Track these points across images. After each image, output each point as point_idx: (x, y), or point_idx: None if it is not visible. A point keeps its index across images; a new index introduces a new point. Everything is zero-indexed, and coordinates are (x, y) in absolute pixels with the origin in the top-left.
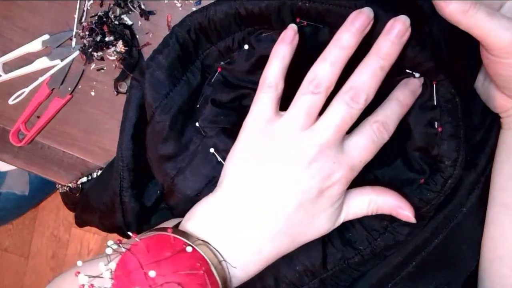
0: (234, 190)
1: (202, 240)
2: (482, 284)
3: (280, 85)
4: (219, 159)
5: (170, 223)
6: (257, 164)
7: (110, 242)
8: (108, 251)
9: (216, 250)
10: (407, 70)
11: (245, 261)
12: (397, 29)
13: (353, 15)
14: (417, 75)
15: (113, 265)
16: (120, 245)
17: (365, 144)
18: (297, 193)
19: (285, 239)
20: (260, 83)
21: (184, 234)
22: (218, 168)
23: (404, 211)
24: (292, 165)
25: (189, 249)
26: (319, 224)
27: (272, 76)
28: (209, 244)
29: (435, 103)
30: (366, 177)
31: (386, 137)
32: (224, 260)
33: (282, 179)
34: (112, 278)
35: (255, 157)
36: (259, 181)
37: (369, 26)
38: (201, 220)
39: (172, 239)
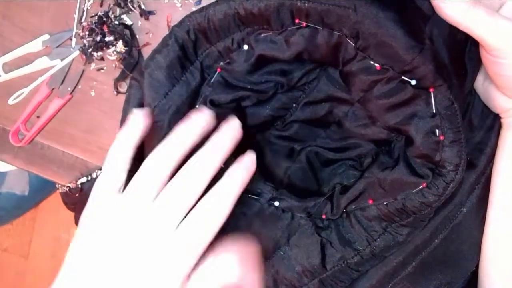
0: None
1: None
2: (482, 284)
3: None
4: None
5: None
6: (91, 250)
7: None
8: None
9: None
10: (403, 77)
11: None
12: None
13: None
14: (413, 82)
15: None
16: None
17: (199, 229)
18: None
19: None
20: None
21: None
22: None
23: None
24: (128, 247)
25: None
26: None
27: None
28: None
29: (434, 111)
30: (368, 179)
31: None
32: None
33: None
34: None
35: (90, 244)
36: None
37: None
38: None
39: None
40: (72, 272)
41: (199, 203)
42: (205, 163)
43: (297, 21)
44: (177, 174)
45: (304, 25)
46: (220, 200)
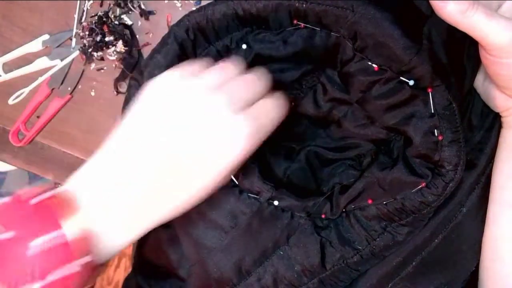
0: (112, 148)
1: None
2: (483, 284)
3: None
4: None
5: None
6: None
7: None
8: None
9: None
10: (401, 78)
11: (116, 225)
12: None
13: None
14: (411, 82)
15: None
16: None
17: None
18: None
19: (159, 200)
20: None
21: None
22: None
23: None
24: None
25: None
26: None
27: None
28: (71, 192)
29: (432, 111)
30: (368, 179)
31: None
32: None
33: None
34: None
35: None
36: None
37: None
38: (74, 179)
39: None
40: (128, 132)
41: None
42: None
43: (295, 22)
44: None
45: (302, 26)
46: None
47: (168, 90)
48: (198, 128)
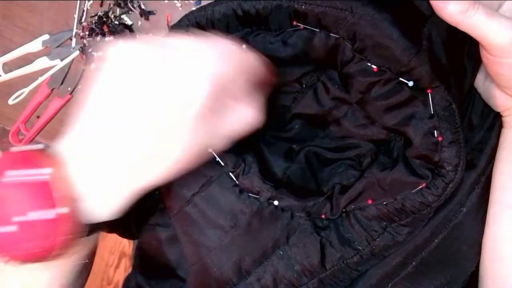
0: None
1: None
2: (483, 284)
3: None
4: (217, 158)
5: None
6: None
7: None
8: None
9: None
10: (400, 79)
11: (102, 189)
12: None
13: None
14: (410, 83)
15: None
16: None
17: None
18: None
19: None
20: None
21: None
22: (215, 166)
23: None
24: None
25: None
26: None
27: None
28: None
29: (431, 112)
30: (368, 179)
31: None
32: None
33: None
34: None
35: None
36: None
37: None
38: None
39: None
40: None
41: None
42: None
43: (294, 23)
44: None
45: (301, 27)
46: None
47: (125, 54)
48: (162, 74)
